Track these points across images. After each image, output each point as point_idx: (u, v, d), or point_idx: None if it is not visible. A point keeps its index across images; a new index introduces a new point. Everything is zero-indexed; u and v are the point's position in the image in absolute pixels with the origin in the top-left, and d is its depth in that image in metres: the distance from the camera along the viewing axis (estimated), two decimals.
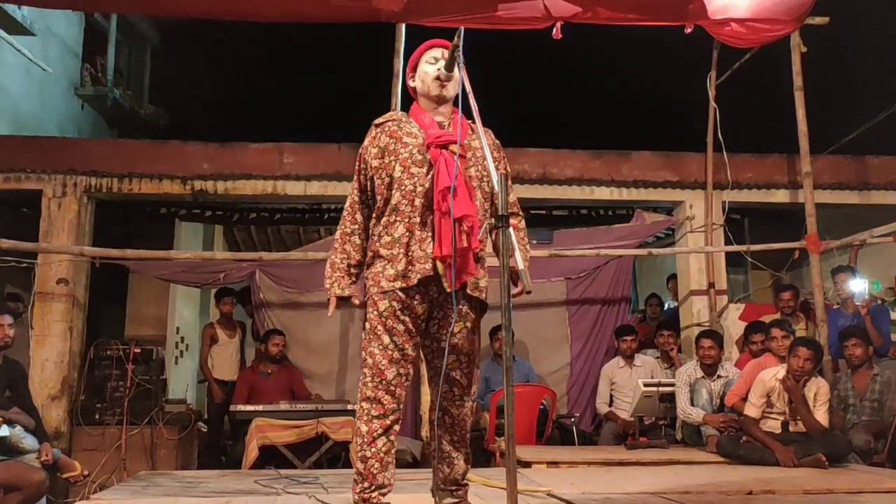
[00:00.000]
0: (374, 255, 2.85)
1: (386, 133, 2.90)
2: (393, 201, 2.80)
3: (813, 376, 4.97)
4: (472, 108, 2.83)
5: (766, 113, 8.20)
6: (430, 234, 2.74)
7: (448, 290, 2.74)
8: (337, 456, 5.57)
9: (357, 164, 2.97)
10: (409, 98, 3.12)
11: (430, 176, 2.77)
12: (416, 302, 2.77)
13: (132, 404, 6.19)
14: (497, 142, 3.00)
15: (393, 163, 2.83)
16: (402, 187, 2.80)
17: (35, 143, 6.77)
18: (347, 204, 3.00)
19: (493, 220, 2.72)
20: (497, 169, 2.77)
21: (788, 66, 6.31)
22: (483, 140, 2.73)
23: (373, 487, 2.76)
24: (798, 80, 6.28)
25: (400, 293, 2.75)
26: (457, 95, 2.89)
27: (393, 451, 2.81)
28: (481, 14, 5.08)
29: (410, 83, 3.05)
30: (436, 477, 2.93)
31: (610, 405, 6.40)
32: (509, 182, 2.88)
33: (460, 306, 2.78)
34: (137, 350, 6.35)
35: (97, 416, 6.21)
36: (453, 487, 2.91)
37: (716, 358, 5.76)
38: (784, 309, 6.40)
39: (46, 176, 6.53)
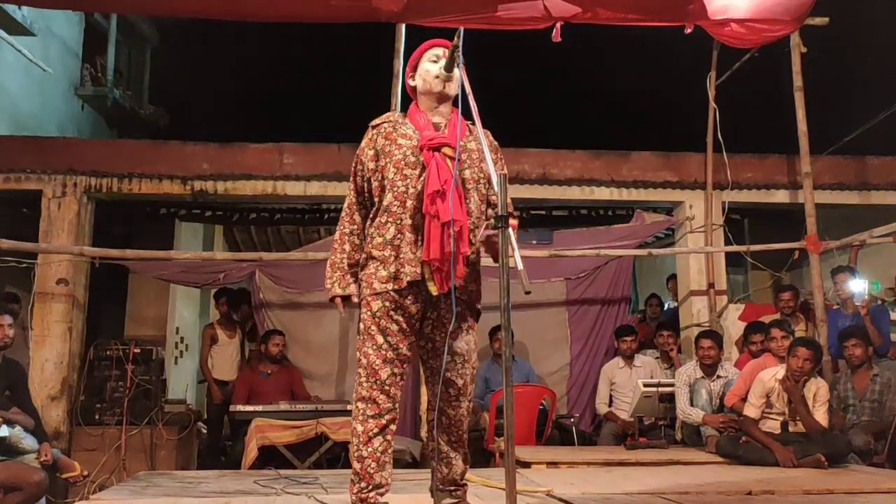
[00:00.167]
0: (367, 256, 2.86)
1: (382, 135, 2.90)
2: (385, 202, 2.81)
3: (812, 377, 4.96)
4: (472, 108, 2.83)
5: (766, 113, 8.21)
6: (420, 236, 2.74)
7: (435, 295, 2.74)
8: (337, 456, 5.57)
9: (354, 165, 2.97)
10: (409, 99, 3.12)
11: (422, 178, 2.76)
12: (409, 301, 2.78)
13: (132, 405, 6.19)
14: (495, 143, 2.99)
15: (387, 164, 2.83)
16: (395, 188, 2.80)
17: (35, 144, 6.78)
18: (345, 205, 3.01)
19: (491, 220, 2.71)
20: (496, 170, 2.77)
21: (788, 66, 6.31)
22: (483, 142, 2.72)
23: (370, 487, 2.76)
24: (798, 81, 6.29)
25: (393, 293, 2.76)
26: (457, 96, 2.89)
27: (390, 451, 2.81)
28: (481, 14, 5.08)
29: (410, 82, 3.05)
30: (434, 477, 2.93)
31: (609, 405, 6.40)
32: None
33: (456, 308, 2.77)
34: (137, 350, 6.35)
35: (97, 417, 6.21)
36: (452, 487, 2.91)
37: (715, 358, 5.76)
38: (784, 309, 6.40)
39: (46, 176, 6.53)
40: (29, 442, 4.73)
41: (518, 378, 6.30)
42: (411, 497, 3.48)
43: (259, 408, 5.72)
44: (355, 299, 2.90)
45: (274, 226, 8.49)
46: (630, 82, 10.06)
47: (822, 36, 6.32)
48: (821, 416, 4.87)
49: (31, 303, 6.28)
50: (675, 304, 7.52)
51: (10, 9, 7.15)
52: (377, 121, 2.98)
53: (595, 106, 10.46)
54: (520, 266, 2.36)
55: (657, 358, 6.60)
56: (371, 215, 2.89)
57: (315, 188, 6.76)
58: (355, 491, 2.78)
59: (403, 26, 5.66)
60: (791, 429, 4.96)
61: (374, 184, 2.88)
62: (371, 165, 2.88)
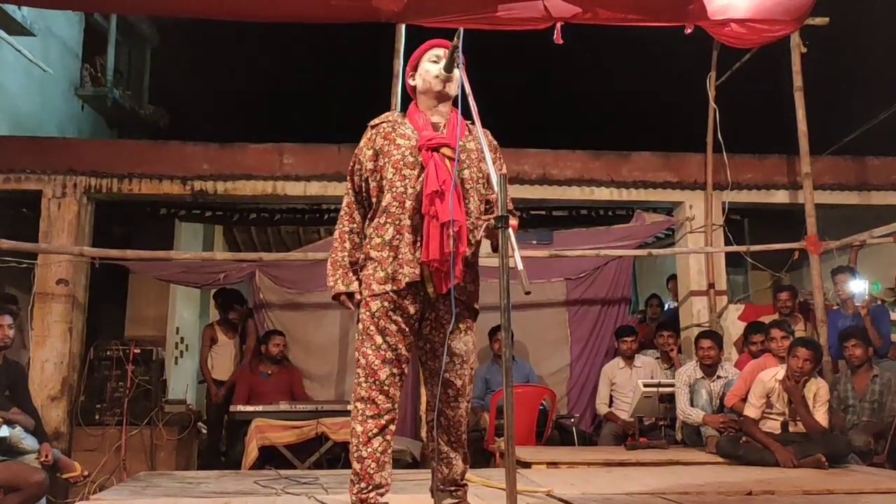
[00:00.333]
0: (365, 256, 2.86)
1: (381, 135, 2.90)
2: (384, 203, 2.81)
3: (812, 377, 4.97)
4: (472, 109, 2.83)
5: (766, 113, 8.21)
6: (419, 237, 2.74)
7: (433, 296, 2.75)
8: (337, 456, 5.57)
9: (352, 165, 2.97)
10: (409, 99, 3.12)
11: (421, 178, 2.76)
12: (407, 302, 2.78)
13: (132, 405, 6.18)
14: (494, 143, 3.00)
15: (386, 164, 2.83)
16: (393, 189, 2.80)
17: (35, 144, 6.77)
18: (344, 204, 3.00)
19: (491, 220, 2.71)
20: (495, 170, 2.77)
21: (788, 66, 6.31)
22: (482, 141, 2.72)
23: (370, 488, 2.76)
24: (798, 81, 6.29)
25: (391, 294, 2.76)
26: (456, 96, 2.89)
27: (390, 451, 2.81)
28: (481, 15, 5.08)
29: (410, 82, 3.04)
30: (435, 477, 2.93)
31: (610, 406, 6.40)
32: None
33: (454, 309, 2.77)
34: (137, 351, 6.35)
35: (97, 417, 6.20)
36: (452, 488, 2.91)
37: (715, 358, 5.76)
38: (782, 309, 6.41)
39: (46, 176, 6.53)
40: (29, 442, 4.74)
41: (518, 378, 6.30)
42: (411, 497, 3.48)
43: (259, 408, 5.72)
44: (359, 296, 2.88)
45: (274, 226, 8.49)
46: (630, 83, 10.06)
47: (822, 36, 6.32)
48: (821, 416, 4.87)
49: (31, 303, 6.28)
50: (675, 304, 7.52)
51: (10, 9, 7.15)
52: (376, 121, 2.98)
53: (595, 106, 10.46)
54: (520, 266, 2.36)
55: (657, 358, 6.60)
56: (370, 216, 2.90)
57: (315, 188, 6.76)
58: (355, 491, 2.78)
59: (403, 26, 5.66)
60: (791, 429, 4.96)
61: (373, 184, 2.88)
62: (369, 165, 2.88)
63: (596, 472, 4.70)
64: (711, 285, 6.92)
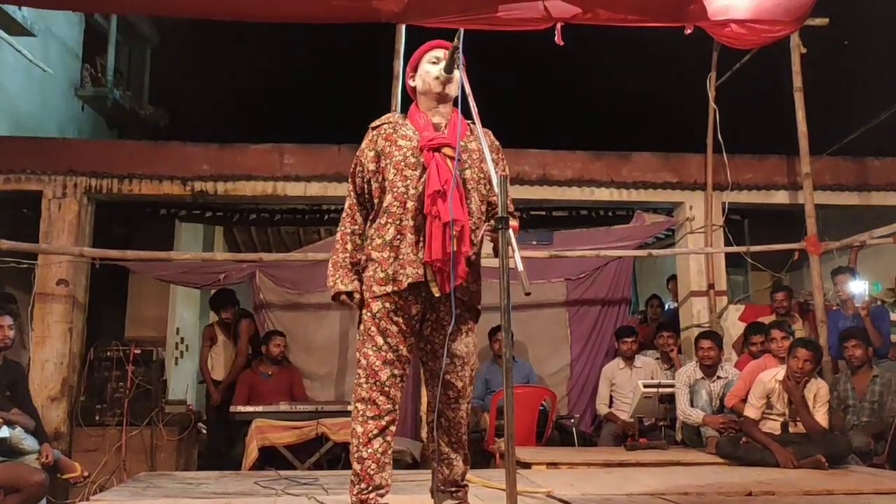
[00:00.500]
0: (367, 258, 2.86)
1: (382, 136, 2.90)
2: (385, 203, 2.81)
3: (812, 377, 4.97)
4: (472, 109, 2.83)
5: (766, 114, 8.20)
6: (421, 237, 2.74)
7: (437, 295, 2.74)
8: (337, 457, 5.57)
9: (353, 167, 2.97)
10: (409, 100, 3.12)
11: (422, 179, 2.76)
12: (409, 303, 2.77)
13: (132, 405, 6.18)
14: (496, 143, 2.99)
15: (388, 166, 2.83)
16: (394, 189, 2.80)
17: (35, 144, 6.78)
18: (346, 206, 3.00)
19: (491, 221, 2.71)
20: (497, 171, 2.77)
21: (788, 67, 6.32)
22: (483, 141, 2.72)
23: (370, 488, 2.76)
24: (798, 81, 6.29)
25: (393, 295, 2.76)
26: (457, 97, 2.89)
27: (390, 452, 2.81)
28: (481, 15, 5.09)
29: (410, 83, 3.04)
30: (435, 478, 2.93)
31: (610, 406, 6.40)
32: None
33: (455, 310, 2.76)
34: (137, 351, 6.34)
35: (97, 418, 6.20)
36: (453, 489, 2.91)
37: (715, 359, 5.76)
38: (778, 309, 6.43)
39: (46, 177, 6.53)
40: (29, 443, 4.74)
41: (518, 379, 6.30)
42: (412, 498, 3.48)
43: (259, 408, 5.72)
44: (358, 295, 2.88)
45: (274, 226, 8.49)
46: (630, 83, 10.05)
47: (821, 36, 6.32)
48: (821, 416, 4.88)
49: (31, 303, 6.27)
50: (676, 304, 7.52)
51: (11, 9, 7.15)
52: (377, 122, 2.97)
53: (595, 107, 10.45)
54: (520, 267, 2.36)
55: (657, 359, 6.60)
56: (371, 217, 2.90)
57: (315, 189, 6.76)
58: (355, 492, 2.78)
59: (403, 27, 5.66)
60: (791, 430, 4.96)
61: (374, 185, 2.88)
62: (371, 167, 2.88)
63: (596, 473, 4.70)
64: (711, 286, 6.92)
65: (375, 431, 2.75)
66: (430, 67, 2.93)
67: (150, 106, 11.37)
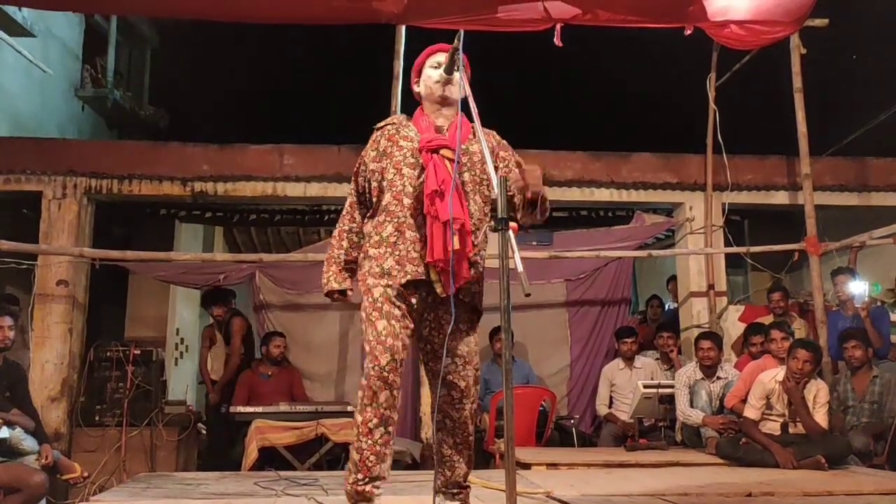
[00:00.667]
0: (364, 255, 2.87)
1: (385, 136, 2.93)
2: (384, 202, 2.83)
3: (812, 378, 4.97)
4: (472, 109, 2.84)
5: (766, 114, 8.21)
6: (420, 235, 2.75)
7: (441, 296, 2.74)
8: (337, 457, 5.57)
9: (357, 166, 3.00)
10: (408, 100, 3.13)
11: (421, 179, 2.77)
12: (408, 293, 2.78)
13: (132, 406, 6.18)
14: (503, 141, 3.01)
15: (388, 165, 2.86)
16: (393, 188, 2.82)
17: (35, 145, 6.78)
18: (347, 204, 3.04)
19: (492, 222, 2.71)
20: (498, 170, 2.78)
21: (788, 67, 6.32)
22: (483, 143, 2.71)
23: (367, 479, 2.73)
24: (798, 82, 6.29)
25: (394, 290, 2.76)
26: (463, 99, 2.89)
27: (391, 444, 2.78)
28: (481, 16, 5.09)
29: (415, 88, 3.06)
30: (437, 480, 2.93)
31: (610, 407, 6.40)
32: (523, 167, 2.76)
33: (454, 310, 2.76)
34: (137, 351, 6.34)
35: (97, 418, 6.20)
36: (455, 490, 2.91)
37: (715, 359, 5.76)
38: (775, 310, 6.43)
39: (46, 177, 6.53)
40: (29, 443, 4.73)
41: (518, 379, 6.31)
42: (412, 498, 3.48)
43: (259, 409, 5.72)
44: (350, 293, 2.94)
45: (274, 227, 8.48)
46: (630, 83, 10.06)
47: (821, 37, 6.32)
48: (821, 417, 4.88)
49: (31, 304, 6.28)
50: (675, 305, 7.52)
51: (11, 10, 7.15)
52: (382, 123, 3.01)
53: (595, 107, 10.46)
54: (520, 268, 2.36)
55: (657, 359, 6.60)
56: (369, 215, 2.92)
57: (315, 189, 6.76)
58: (351, 482, 2.75)
59: (403, 28, 5.67)
60: (791, 430, 4.96)
61: (374, 185, 2.90)
62: (372, 166, 2.90)
63: (595, 474, 4.70)
64: (711, 286, 6.93)
65: (375, 421, 2.70)
66: (431, 72, 2.96)
67: (150, 106, 11.37)
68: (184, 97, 10.96)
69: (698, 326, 6.76)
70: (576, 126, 9.62)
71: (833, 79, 8.58)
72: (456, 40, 2.79)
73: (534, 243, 6.98)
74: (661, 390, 5.70)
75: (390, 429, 2.76)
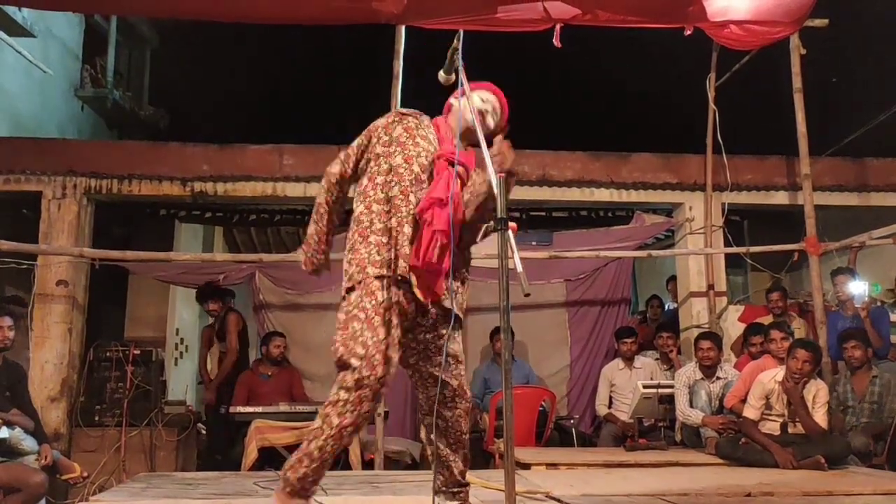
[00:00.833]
0: (361, 238, 2.78)
1: (402, 125, 2.88)
2: (391, 193, 2.79)
3: (812, 378, 4.97)
4: (472, 110, 2.84)
5: (766, 115, 8.21)
6: (414, 237, 2.73)
7: (422, 300, 2.72)
8: (336, 458, 5.56)
9: (363, 137, 2.92)
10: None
11: (426, 184, 2.77)
12: (404, 300, 2.73)
13: (131, 406, 6.18)
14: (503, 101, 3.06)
15: (396, 154, 2.82)
16: (402, 182, 2.79)
17: (35, 145, 6.78)
18: (336, 172, 2.98)
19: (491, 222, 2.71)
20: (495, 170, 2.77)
21: (788, 68, 6.31)
22: (484, 149, 2.69)
23: (316, 480, 2.71)
24: (797, 82, 6.28)
25: (394, 288, 2.70)
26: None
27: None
28: (481, 16, 5.10)
29: (453, 100, 3.00)
30: (436, 481, 2.92)
31: (609, 407, 6.40)
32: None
33: (441, 312, 2.79)
34: (137, 351, 6.34)
35: (96, 418, 6.20)
36: (455, 489, 2.91)
37: (715, 359, 5.76)
38: (774, 310, 6.43)
39: (46, 177, 6.54)
40: (29, 443, 4.74)
41: (518, 379, 6.31)
42: (412, 499, 3.49)
43: (259, 409, 5.72)
44: (325, 269, 2.98)
45: (274, 227, 8.49)
46: (630, 84, 10.06)
47: (821, 37, 6.32)
48: (820, 417, 4.87)
49: (30, 304, 6.28)
50: (675, 305, 7.53)
51: (11, 10, 7.16)
52: (405, 111, 2.97)
53: (595, 107, 10.46)
54: (519, 268, 2.36)
55: (657, 359, 6.60)
56: (368, 200, 2.82)
57: (315, 189, 6.63)
58: (300, 475, 2.67)
59: (403, 28, 5.66)
60: (790, 430, 4.96)
61: (373, 165, 2.85)
62: (379, 149, 2.85)
63: (595, 474, 4.70)
64: (711, 286, 6.93)
65: (351, 429, 2.65)
66: (479, 105, 2.92)
67: (149, 106, 11.38)
68: (184, 97, 10.96)
69: (698, 326, 6.76)
70: (576, 126, 9.62)
71: (833, 79, 8.57)
72: (456, 40, 2.79)
73: (533, 243, 6.99)
74: (660, 390, 5.70)
75: (353, 436, 2.72)
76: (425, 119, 2.97)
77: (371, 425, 5.70)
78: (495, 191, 2.50)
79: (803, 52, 6.24)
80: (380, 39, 6.09)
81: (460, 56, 2.81)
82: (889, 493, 3.88)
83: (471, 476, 3.02)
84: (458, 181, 2.74)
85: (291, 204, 7.39)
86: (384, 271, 2.72)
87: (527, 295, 2.31)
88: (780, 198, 7.13)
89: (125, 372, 6.23)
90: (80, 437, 6.17)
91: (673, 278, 7.65)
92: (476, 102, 2.90)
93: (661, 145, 7.28)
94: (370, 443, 5.73)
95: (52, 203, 6.49)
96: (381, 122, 2.91)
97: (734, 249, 6.86)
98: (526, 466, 4.91)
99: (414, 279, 2.71)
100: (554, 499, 3.64)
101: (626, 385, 6.31)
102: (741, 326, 6.52)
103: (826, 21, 6.22)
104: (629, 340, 6.46)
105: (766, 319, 6.29)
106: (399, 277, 2.72)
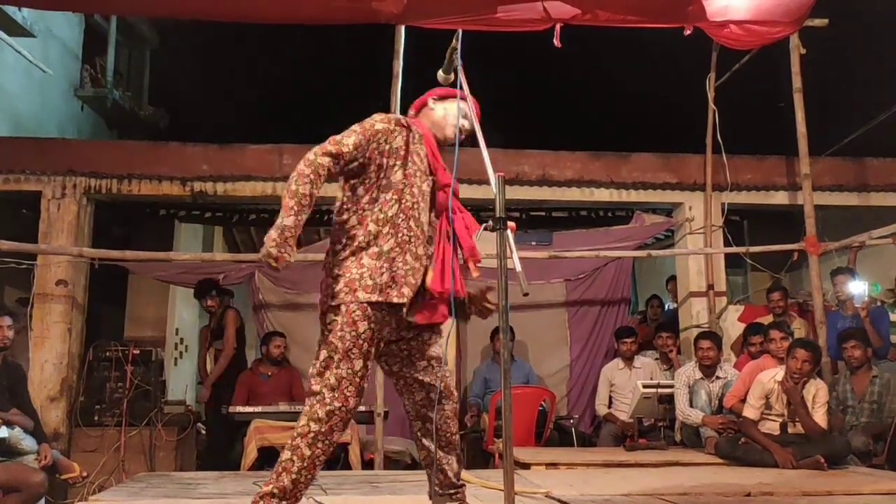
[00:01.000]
0: (354, 257, 2.68)
1: (402, 136, 2.77)
2: (391, 213, 2.70)
3: (811, 378, 4.97)
4: (471, 110, 2.84)
5: (766, 115, 8.21)
6: (416, 260, 2.71)
7: (411, 319, 2.74)
8: (336, 458, 5.56)
9: (360, 137, 2.71)
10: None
11: (425, 205, 2.78)
12: (385, 324, 2.69)
13: (131, 405, 6.18)
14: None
15: (396, 169, 2.73)
16: (403, 200, 2.72)
17: (35, 145, 6.78)
18: (326, 163, 2.64)
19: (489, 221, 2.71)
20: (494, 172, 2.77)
21: (787, 67, 6.31)
22: (484, 151, 2.68)
23: None
24: (797, 82, 6.28)
25: (377, 314, 2.65)
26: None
27: None
28: (481, 16, 5.10)
29: (431, 105, 2.97)
30: (432, 484, 2.92)
31: (609, 407, 6.40)
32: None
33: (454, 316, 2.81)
34: (136, 351, 6.33)
35: (96, 418, 6.20)
36: (452, 490, 2.91)
37: (714, 359, 5.77)
38: (775, 309, 6.43)
39: (46, 177, 6.54)
40: (28, 443, 4.73)
41: (518, 378, 6.31)
42: (412, 499, 3.49)
43: (258, 409, 5.72)
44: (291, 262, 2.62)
45: None
46: (630, 84, 10.05)
47: (821, 37, 6.32)
48: (820, 417, 4.87)
49: (30, 304, 6.27)
50: (675, 305, 7.53)
51: (11, 10, 7.16)
52: (402, 120, 2.82)
53: (595, 107, 10.46)
54: (518, 268, 2.36)
55: (657, 359, 6.60)
56: (368, 216, 2.72)
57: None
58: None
59: (403, 28, 5.67)
60: (790, 430, 4.96)
61: (369, 173, 2.73)
62: (377, 158, 2.72)
63: (595, 473, 4.70)
64: (711, 286, 6.93)
65: (322, 458, 2.65)
66: (461, 120, 2.91)
67: (149, 106, 11.37)
68: (184, 97, 10.96)
69: (698, 326, 6.76)
70: (576, 126, 9.63)
71: (833, 79, 8.57)
72: (455, 40, 2.79)
73: (533, 243, 6.99)
74: (660, 390, 5.70)
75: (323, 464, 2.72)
76: (417, 130, 2.85)
77: (371, 425, 5.71)
78: (494, 190, 2.50)
79: (803, 51, 6.24)
80: (380, 39, 6.09)
81: (459, 56, 2.81)
82: (889, 493, 3.88)
83: (471, 476, 3.03)
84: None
85: None
86: (374, 297, 2.63)
87: (525, 294, 2.31)
88: (780, 198, 7.13)
89: (125, 372, 6.23)
90: (79, 437, 6.17)
91: (673, 278, 7.65)
92: (458, 121, 2.90)
93: (661, 145, 7.27)
94: (370, 443, 5.73)
95: (51, 203, 6.49)
96: (380, 126, 2.74)
97: (734, 249, 6.86)
98: (525, 466, 4.92)
99: (407, 303, 2.69)
100: (553, 498, 3.64)
101: (625, 385, 6.31)
102: (741, 326, 6.52)
103: (826, 21, 6.22)
104: (629, 340, 6.46)
105: (767, 319, 6.29)
106: (388, 304, 2.66)
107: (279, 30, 6.35)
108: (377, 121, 2.77)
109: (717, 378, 5.72)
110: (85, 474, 5.17)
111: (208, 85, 10.52)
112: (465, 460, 5.80)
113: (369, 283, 2.65)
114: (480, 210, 7.27)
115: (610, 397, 6.42)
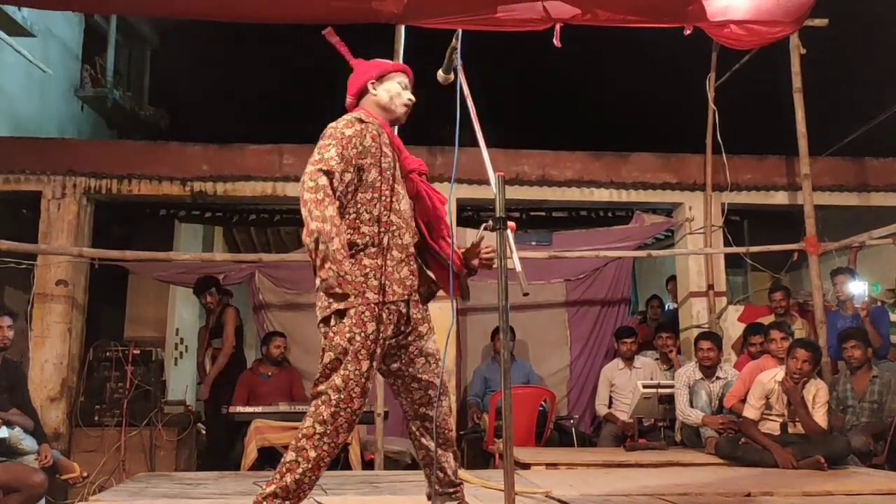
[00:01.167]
0: (352, 259, 2.66)
1: (370, 134, 2.77)
2: (376, 211, 2.72)
3: (812, 378, 4.97)
4: (471, 110, 2.84)
5: (766, 114, 8.20)
6: (405, 256, 2.77)
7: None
8: (336, 458, 5.55)
9: (341, 147, 2.65)
10: None
11: (405, 197, 2.83)
12: (388, 323, 2.71)
13: (131, 406, 6.17)
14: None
15: (371, 167, 2.73)
16: (384, 198, 2.74)
17: (35, 145, 6.78)
18: (325, 184, 2.57)
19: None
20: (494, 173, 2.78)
21: (787, 67, 6.31)
22: (484, 152, 2.69)
23: None
24: (797, 82, 6.28)
25: (384, 313, 2.67)
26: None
27: None
28: (481, 16, 5.10)
29: (371, 89, 2.92)
30: (431, 483, 2.92)
31: (609, 407, 6.40)
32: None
33: (427, 313, 2.88)
34: (137, 351, 6.33)
35: (96, 418, 6.19)
36: (451, 490, 2.91)
37: (714, 359, 5.77)
38: (777, 309, 6.43)
39: (46, 177, 6.54)
40: (28, 443, 4.74)
41: (518, 378, 6.31)
42: (412, 499, 3.49)
43: (258, 409, 5.71)
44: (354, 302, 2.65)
45: (274, 227, 8.48)
46: (630, 84, 10.05)
47: (821, 37, 6.32)
48: (820, 417, 4.87)
49: (30, 304, 6.28)
50: (675, 305, 7.53)
51: (10, 10, 7.15)
52: (361, 117, 2.81)
53: (595, 107, 10.45)
54: (518, 268, 2.36)
55: (657, 359, 6.60)
56: (357, 218, 2.72)
57: None
58: None
59: (403, 28, 5.67)
60: (790, 430, 4.96)
61: (353, 178, 2.71)
62: (355, 161, 2.69)
63: (595, 474, 4.70)
64: (711, 286, 6.93)
65: (328, 459, 2.66)
66: (404, 93, 2.93)
67: (150, 106, 11.37)
68: (184, 97, 10.95)
69: (698, 326, 6.76)
70: (576, 126, 9.62)
71: (833, 78, 8.57)
72: (454, 40, 2.79)
73: (533, 243, 7.00)
74: (660, 390, 5.70)
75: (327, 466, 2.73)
76: (373, 121, 2.83)
77: (371, 425, 5.71)
78: (494, 190, 2.50)
79: (803, 51, 6.24)
80: (380, 39, 6.08)
81: (459, 56, 2.81)
82: (889, 493, 3.88)
83: (471, 476, 3.02)
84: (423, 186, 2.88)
85: (291, 204, 7.37)
86: (379, 297, 2.67)
87: (525, 294, 2.31)
88: (780, 198, 7.13)
89: (125, 372, 6.23)
90: (79, 437, 6.17)
91: (673, 278, 7.65)
92: (403, 93, 2.93)
93: (661, 145, 7.27)
94: (370, 443, 5.72)
95: (51, 203, 6.49)
96: (348, 132, 2.70)
97: (734, 249, 6.86)
98: (526, 466, 4.92)
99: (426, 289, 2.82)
100: (553, 498, 3.64)
101: (625, 385, 6.31)
102: (741, 326, 6.51)
103: (826, 21, 6.22)
104: (629, 340, 6.45)
105: (768, 319, 6.29)
106: (394, 302, 2.71)
107: (279, 30, 6.35)
108: (340, 128, 2.73)
109: (718, 378, 5.72)
110: (85, 474, 5.18)
111: (208, 85, 10.52)
112: (465, 460, 5.82)
113: (374, 283, 2.68)
114: (480, 210, 7.33)
115: (610, 397, 6.42)
